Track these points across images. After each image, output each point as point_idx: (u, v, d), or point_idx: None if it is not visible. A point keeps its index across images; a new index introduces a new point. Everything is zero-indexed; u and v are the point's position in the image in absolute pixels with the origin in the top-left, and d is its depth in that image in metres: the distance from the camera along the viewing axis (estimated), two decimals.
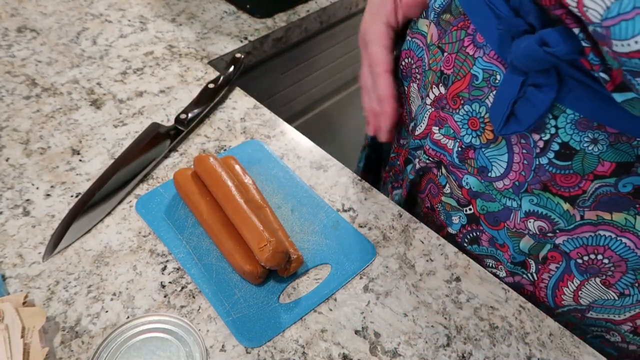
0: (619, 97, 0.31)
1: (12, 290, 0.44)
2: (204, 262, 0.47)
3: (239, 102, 0.64)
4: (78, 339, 0.42)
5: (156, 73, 0.67)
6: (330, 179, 0.55)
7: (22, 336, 0.39)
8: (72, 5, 0.77)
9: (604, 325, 0.47)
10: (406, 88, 0.56)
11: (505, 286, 0.47)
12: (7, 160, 0.55)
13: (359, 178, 0.55)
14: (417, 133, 0.52)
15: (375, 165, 0.71)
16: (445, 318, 0.45)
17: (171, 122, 0.60)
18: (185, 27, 0.75)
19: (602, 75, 0.31)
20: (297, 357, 0.41)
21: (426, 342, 0.43)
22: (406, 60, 0.54)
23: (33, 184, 0.53)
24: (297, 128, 0.61)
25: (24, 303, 0.42)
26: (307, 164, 0.57)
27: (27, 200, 0.51)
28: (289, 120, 0.63)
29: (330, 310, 0.44)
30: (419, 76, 0.53)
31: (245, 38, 0.74)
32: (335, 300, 0.45)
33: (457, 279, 0.47)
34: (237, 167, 0.53)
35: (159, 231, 0.49)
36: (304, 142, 0.59)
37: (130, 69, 0.67)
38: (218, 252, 0.47)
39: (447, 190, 0.50)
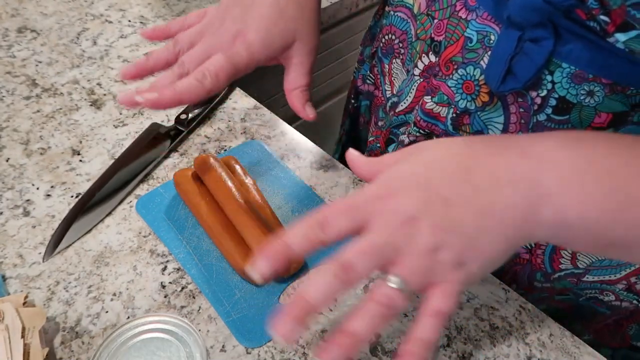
0: (622, 37, 0.32)
1: (12, 290, 0.44)
2: (204, 263, 0.47)
3: (239, 102, 0.64)
4: (78, 339, 0.42)
5: (156, 73, 0.67)
6: (330, 180, 0.55)
7: (23, 336, 0.39)
8: (72, 5, 0.77)
9: (599, 287, 0.48)
10: (387, 65, 0.56)
11: (506, 286, 0.47)
12: (7, 160, 0.55)
13: (359, 178, 0.55)
14: (400, 108, 0.51)
15: None
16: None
17: (171, 123, 0.60)
18: None
19: (603, 17, 0.32)
20: (298, 358, 0.41)
21: None
22: (387, 37, 0.54)
23: (33, 184, 0.53)
24: (297, 128, 0.61)
25: (24, 303, 0.42)
26: (308, 164, 0.57)
27: (28, 200, 0.51)
28: (289, 121, 0.63)
29: (331, 310, 0.44)
30: (402, 50, 0.52)
31: None
32: (336, 300, 0.45)
33: None
34: (237, 167, 0.53)
35: (159, 231, 0.49)
36: (304, 143, 0.59)
37: None
38: (218, 252, 0.47)
39: None
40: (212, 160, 0.50)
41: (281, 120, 0.62)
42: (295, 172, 0.55)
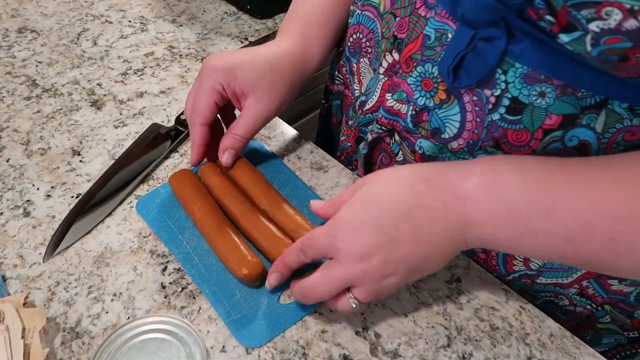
0: (565, 38, 0.33)
1: (12, 291, 0.45)
2: (205, 263, 0.47)
3: None
4: (78, 339, 0.42)
5: (157, 74, 0.67)
6: (330, 180, 0.55)
7: (23, 337, 0.39)
8: (72, 6, 0.77)
9: (553, 290, 0.49)
10: (355, 65, 0.56)
11: (506, 287, 0.47)
12: (7, 161, 0.55)
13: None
14: (368, 107, 0.52)
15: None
16: (446, 319, 0.45)
17: (171, 123, 0.60)
18: (186, 27, 0.75)
19: (548, 17, 0.33)
20: (298, 358, 0.41)
21: (427, 342, 0.43)
22: (355, 36, 0.55)
23: (33, 185, 0.53)
24: (297, 129, 0.61)
25: (24, 304, 0.42)
26: (308, 164, 0.57)
27: (28, 201, 0.51)
28: (290, 121, 0.63)
29: (331, 310, 0.44)
30: (370, 49, 0.53)
31: (246, 39, 0.74)
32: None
33: (458, 280, 0.47)
34: (244, 167, 0.52)
35: (160, 232, 0.49)
36: (304, 143, 0.59)
37: (131, 70, 0.67)
38: None
39: (399, 157, 0.50)
40: (217, 170, 0.51)
41: (281, 121, 0.62)
42: (296, 172, 0.55)
